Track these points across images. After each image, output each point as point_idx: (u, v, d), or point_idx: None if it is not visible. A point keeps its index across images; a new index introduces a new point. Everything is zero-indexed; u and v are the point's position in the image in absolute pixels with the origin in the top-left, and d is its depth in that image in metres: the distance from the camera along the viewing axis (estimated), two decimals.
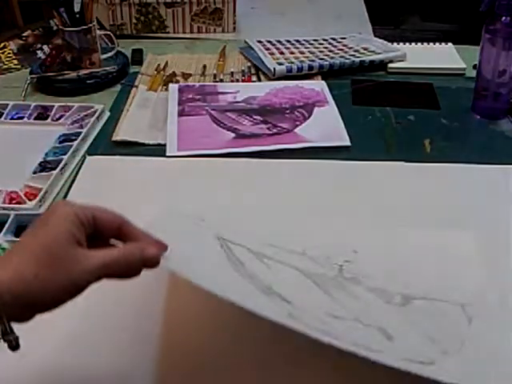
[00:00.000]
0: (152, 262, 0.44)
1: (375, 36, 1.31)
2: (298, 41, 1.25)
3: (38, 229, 0.40)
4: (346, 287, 0.59)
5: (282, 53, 1.18)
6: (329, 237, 0.69)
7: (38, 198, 0.78)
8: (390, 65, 1.16)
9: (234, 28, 1.38)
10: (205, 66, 1.17)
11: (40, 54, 1.22)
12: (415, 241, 0.69)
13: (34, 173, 0.84)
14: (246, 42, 1.26)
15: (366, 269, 0.63)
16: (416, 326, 0.56)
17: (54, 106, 1.00)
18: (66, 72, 1.10)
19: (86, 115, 0.98)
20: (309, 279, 0.59)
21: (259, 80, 1.13)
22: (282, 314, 0.51)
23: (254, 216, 0.71)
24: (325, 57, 1.16)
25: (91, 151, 0.91)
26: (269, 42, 1.24)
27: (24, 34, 1.26)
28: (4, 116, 0.99)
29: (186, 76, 1.14)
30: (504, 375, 0.53)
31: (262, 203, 0.76)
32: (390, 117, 1.00)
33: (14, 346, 0.39)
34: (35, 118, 0.99)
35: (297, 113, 0.99)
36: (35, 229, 0.41)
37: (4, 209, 0.76)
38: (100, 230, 0.44)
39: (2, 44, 1.23)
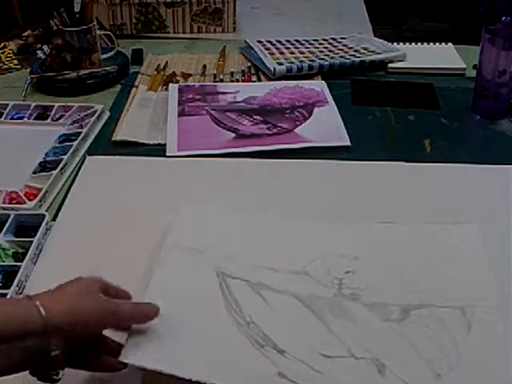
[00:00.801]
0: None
1: (375, 36, 1.31)
2: (297, 41, 1.25)
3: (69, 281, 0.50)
4: (343, 308, 0.60)
5: (282, 53, 1.18)
6: (330, 244, 0.68)
7: (37, 198, 0.78)
8: (390, 65, 1.16)
9: (234, 28, 1.38)
10: (205, 66, 1.17)
11: (40, 54, 1.22)
12: (415, 242, 0.69)
13: (34, 173, 0.84)
14: (246, 41, 1.26)
15: (367, 278, 0.63)
16: (411, 346, 0.56)
17: (53, 105, 1.00)
18: (66, 72, 1.10)
19: (86, 115, 0.98)
20: (306, 308, 0.60)
21: (259, 80, 1.13)
22: (270, 373, 0.52)
23: (254, 232, 0.70)
24: (325, 57, 1.16)
25: (91, 151, 0.91)
26: (269, 41, 1.24)
27: (24, 34, 1.26)
28: (4, 116, 0.99)
29: (185, 76, 1.14)
30: None
31: (261, 205, 0.75)
32: (390, 117, 1.00)
33: (50, 360, 0.45)
34: (35, 118, 0.99)
35: (297, 113, 0.99)
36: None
37: (4, 209, 0.76)
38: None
39: (2, 44, 1.23)
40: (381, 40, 1.24)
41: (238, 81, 1.12)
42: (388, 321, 0.58)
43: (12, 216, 0.73)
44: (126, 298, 0.54)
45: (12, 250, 0.70)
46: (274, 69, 1.10)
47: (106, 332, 0.52)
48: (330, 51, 1.20)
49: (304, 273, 0.64)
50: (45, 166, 0.85)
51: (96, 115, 0.97)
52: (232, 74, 1.14)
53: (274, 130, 0.95)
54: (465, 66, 1.14)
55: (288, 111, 0.99)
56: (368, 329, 0.58)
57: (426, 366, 0.54)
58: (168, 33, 1.36)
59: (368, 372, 0.53)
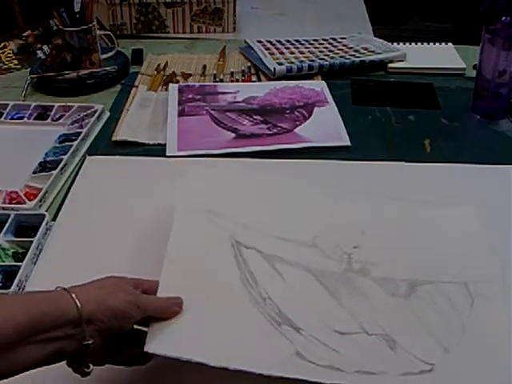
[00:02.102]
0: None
1: (375, 36, 1.31)
2: (297, 41, 1.25)
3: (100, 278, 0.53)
4: (354, 283, 0.61)
5: (282, 53, 1.18)
6: (338, 217, 0.70)
7: (37, 198, 0.78)
8: (390, 65, 1.16)
9: (234, 28, 1.38)
10: (205, 66, 1.17)
11: (40, 54, 1.22)
12: (419, 220, 0.70)
13: (34, 173, 0.84)
14: (246, 41, 1.26)
15: (374, 253, 0.65)
16: (419, 321, 0.58)
17: (53, 105, 1.00)
18: (66, 72, 1.10)
19: (86, 115, 0.98)
20: (319, 283, 0.61)
21: (259, 80, 1.13)
22: (288, 353, 0.53)
23: (266, 197, 0.72)
24: (325, 57, 1.16)
25: (91, 151, 0.91)
26: (269, 41, 1.24)
27: (24, 34, 1.26)
28: (4, 116, 0.99)
29: (185, 76, 1.14)
30: (501, 359, 0.55)
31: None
32: (390, 117, 1.00)
33: (87, 356, 0.48)
34: (35, 118, 0.99)
35: (297, 113, 0.99)
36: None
37: (4, 209, 0.76)
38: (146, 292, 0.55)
39: (2, 44, 1.23)
40: (381, 40, 1.24)
41: (237, 81, 1.12)
42: (396, 296, 0.60)
43: (12, 216, 0.73)
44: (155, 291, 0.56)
45: (12, 250, 0.70)
46: (274, 69, 1.10)
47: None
48: (330, 51, 1.20)
49: (313, 245, 0.65)
50: (45, 166, 0.85)
51: (96, 115, 0.97)
52: (232, 74, 1.14)
53: (274, 130, 0.95)
54: (465, 66, 1.14)
55: (288, 111, 0.99)
56: (378, 304, 0.59)
57: (434, 340, 0.56)
58: (168, 33, 1.36)
59: (380, 348, 0.55)
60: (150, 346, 0.51)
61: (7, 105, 1.01)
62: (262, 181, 0.74)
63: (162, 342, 0.52)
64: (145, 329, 0.53)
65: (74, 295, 0.47)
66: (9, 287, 0.64)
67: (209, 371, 0.51)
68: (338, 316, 0.58)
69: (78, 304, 0.46)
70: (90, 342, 0.47)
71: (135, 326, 0.53)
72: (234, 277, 0.60)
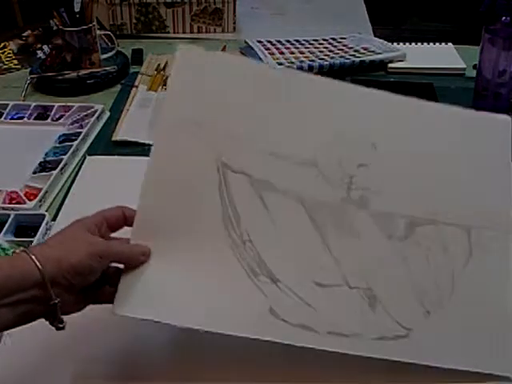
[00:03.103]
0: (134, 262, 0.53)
1: (375, 36, 1.31)
2: (297, 41, 1.25)
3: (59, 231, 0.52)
4: (348, 219, 0.55)
5: (282, 53, 1.18)
6: (347, 122, 0.59)
7: (37, 198, 0.78)
8: (390, 65, 1.16)
9: (234, 28, 1.38)
10: None
11: (40, 54, 1.22)
12: (441, 137, 0.60)
13: (34, 173, 0.84)
14: (246, 42, 1.26)
15: (380, 176, 0.57)
16: (408, 274, 0.55)
17: (53, 105, 1.00)
18: (66, 72, 1.10)
19: (86, 115, 0.98)
20: (308, 218, 0.55)
21: None
22: (263, 309, 0.52)
23: (262, 118, 0.58)
24: (325, 57, 1.16)
25: (91, 151, 0.91)
26: (269, 41, 1.24)
27: (24, 34, 1.26)
28: (4, 116, 0.99)
29: None
30: (493, 316, 0.54)
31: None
32: None
33: (57, 314, 0.48)
34: (35, 118, 0.99)
35: None
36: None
37: (4, 209, 0.76)
38: (112, 224, 0.54)
39: (2, 44, 1.23)
40: (381, 40, 1.24)
41: None
42: (392, 238, 0.56)
43: (12, 216, 0.73)
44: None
45: (12, 250, 0.70)
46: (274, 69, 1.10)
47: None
48: (330, 51, 1.19)
49: (313, 163, 0.57)
50: (45, 166, 0.85)
51: (96, 115, 0.97)
52: None
53: None
54: (465, 66, 1.14)
55: None
56: (369, 248, 0.55)
57: (417, 300, 0.54)
58: (168, 33, 1.36)
59: (359, 304, 0.53)
60: (118, 308, 0.50)
61: (7, 105, 1.01)
62: (265, 81, 0.59)
63: (130, 303, 0.50)
64: (121, 266, 0.52)
65: (33, 257, 0.46)
66: None
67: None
68: (322, 263, 0.54)
69: (40, 266, 0.46)
70: (56, 302, 0.47)
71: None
72: (215, 215, 0.54)
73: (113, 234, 0.55)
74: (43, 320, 0.49)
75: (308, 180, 0.56)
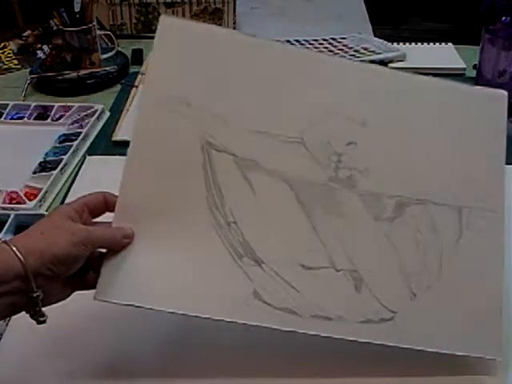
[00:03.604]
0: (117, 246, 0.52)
1: (375, 36, 1.31)
2: (297, 41, 1.25)
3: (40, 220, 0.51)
4: (335, 200, 0.54)
5: None
6: (337, 98, 0.57)
7: (38, 198, 0.78)
8: (390, 65, 1.16)
9: (234, 28, 1.37)
10: None
11: (40, 54, 1.22)
12: (429, 126, 0.58)
13: (34, 173, 0.84)
14: None
15: (369, 155, 0.56)
16: (395, 256, 0.54)
17: (53, 105, 1.00)
18: (66, 72, 1.10)
19: (86, 115, 0.98)
20: (295, 198, 0.54)
21: None
22: (247, 292, 0.51)
23: (250, 95, 0.56)
24: None
25: (91, 151, 0.91)
26: None
27: (24, 34, 1.26)
28: (4, 116, 0.99)
29: None
30: (478, 301, 0.53)
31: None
32: None
33: (39, 307, 0.48)
34: (35, 118, 0.99)
35: None
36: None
37: (4, 209, 0.76)
38: (93, 209, 0.53)
39: (2, 44, 1.23)
40: (381, 40, 1.24)
41: None
42: (380, 220, 0.54)
43: (12, 216, 0.73)
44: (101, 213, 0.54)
45: None
46: None
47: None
48: (330, 51, 1.19)
49: (301, 141, 0.55)
50: (45, 166, 0.85)
51: (96, 115, 0.97)
52: None
53: None
54: (465, 66, 1.14)
55: None
56: (356, 229, 0.54)
57: (404, 282, 0.53)
58: None
59: (345, 287, 0.53)
60: (100, 294, 0.50)
61: (7, 105, 1.01)
62: (253, 55, 0.57)
63: (112, 288, 0.50)
64: (103, 250, 0.52)
65: (15, 248, 0.46)
66: None
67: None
68: (308, 245, 0.53)
69: (22, 258, 0.45)
70: (38, 293, 0.47)
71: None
72: (199, 196, 0.53)
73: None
74: (30, 321, 0.49)
75: (295, 159, 0.55)
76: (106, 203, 0.54)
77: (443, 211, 0.55)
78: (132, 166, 0.53)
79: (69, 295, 0.51)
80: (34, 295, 0.47)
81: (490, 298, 0.54)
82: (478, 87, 0.61)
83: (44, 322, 0.49)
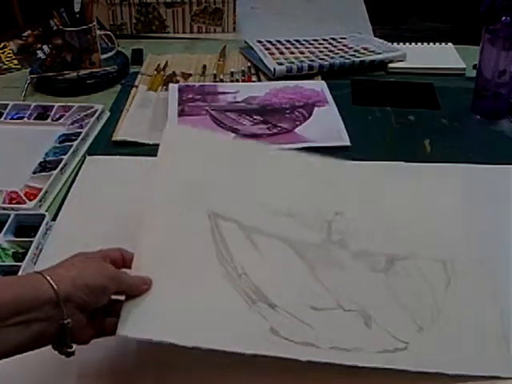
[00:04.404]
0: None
1: (375, 36, 1.31)
2: (297, 41, 1.25)
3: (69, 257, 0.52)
4: (332, 256, 0.61)
5: (282, 53, 1.18)
6: (322, 182, 0.69)
7: (37, 198, 0.78)
8: (390, 65, 1.16)
9: (234, 28, 1.38)
10: (205, 66, 1.17)
11: (40, 54, 1.22)
12: (404, 192, 0.71)
13: (34, 173, 0.84)
14: (245, 42, 1.26)
15: (356, 222, 0.64)
16: (396, 298, 0.58)
17: (53, 105, 1.00)
18: (66, 72, 1.10)
19: (86, 115, 0.98)
20: (297, 255, 0.60)
21: (259, 80, 1.13)
22: (263, 330, 0.53)
23: (244, 165, 0.69)
24: (325, 57, 1.16)
25: (91, 151, 0.91)
26: (269, 42, 1.24)
27: (24, 34, 1.26)
28: (4, 116, 0.99)
29: (185, 76, 1.14)
30: (477, 337, 0.57)
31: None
32: (390, 117, 1.00)
33: (67, 336, 0.48)
34: (35, 118, 0.99)
35: (297, 113, 0.99)
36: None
37: (4, 209, 0.76)
38: (112, 262, 0.55)
39: (2, 44, 1.23)
40: (381, 40, 1.24)
41: (237, 81, 1.12)
42: (375, 271, 0.61)
43: (12, 216, 0.73)
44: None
45: (12, 250, 0.70)
46: (274, 69, 1.10)
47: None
48: (330, 51, 1.20)
49: (295, 213, 0.64)
50: (45, 166, 0.85)
51: (96, 115, 0.97)
52: (232, 74, 1.14)
53: (274, 130, 0.95)
54: (465, 66, 1.14)
55: (288, 111, 0.99)
56: (356, 278, 0.60)
57: (410, 318, 0.57)
58: (168, 33, 1.36)
59: (356, 324, 0.56)
60: (122, 330, 0.51)
61: (7, 105, 1.01)
62: (245, 152, 0.70)
63: (133, 324, 0.51)
64: (121, 297, 0.53)
65: (48, 277, 0.47)
66: None
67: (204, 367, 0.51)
68: (315, 291, 0.57)
69: (53, 284, 0.47)
70: (69, 321, 0.47)
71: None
72: (209, 253, 0.58)
73: None
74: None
75: (291, 226, 0.63)
76: (123, 259, 0.56)
77: (429, 263, 0.63)
78: (148, 226, 0.59)
79: (90, 339, 0.51)
80: (65, 322, 0.47)
81: (492, 324, 0.58)
82: (436, 167, 0.77)
83: (72, 354, 0.49)
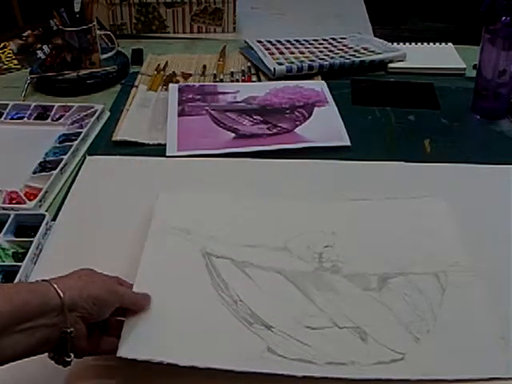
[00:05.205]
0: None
1: (375, 36, 1.31)
2: (297, 41, 1.25)
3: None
4: (325, 280, 0.63)
5: (282, 53, 1.18)
6: (309, 222, 0.72)
7: (37, 198, 0.78)
8: (390, 65, 1.16)
9: (234, 28, 1.38)
10: (205, 66, 1.17)
11: (40, 54, 1.22)
12: (388, 216, 0.73)
13: (34, 173, 0.84)
14: (245, 42, 1.26)
15: (345, 251, 0.67)
16: (390, 312, 0.59)
17: (53, 106, 1.00)
18: (66, 72, 1.10)
19: (86, 115, 0.98)
20: (290, 282, 0.63)
21: (259, 80, 1.13)
22: (260, 349, 0.55)
23: (235, 213, 0.73)
24: (325, 57, 1.16)
25: (91, 151, 0.91)
26: (269, 42, 1.24)
27: (24, 34, 1.26)
28: (4, 116, 0.99)
29: (185, 76, 1.14)
30: (474, 346, 0.57)
31: (258, 203, 0.76)
32: (390, 117, 1.00)
33: (67, 345, 0.49)
34: (35, 118, 0.99)
35: (297, 113, 0.99)
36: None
37: (4, 209, 0.76)
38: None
39: (2, 44, 1.23)
40: (381, 40, 1.24)
41: (237, 81, 1.12)
42: (368, 290, 0.62)
43: (12, 216, 0.73)
44: None
45: (12, 250, 0.70)
46: (274, 69, 1.10)
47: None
48: (330, 51, 1.20)
49: (285, 249, 0.67)
50: (45, 166, 0.85)
51: (96, 115, 0.97)
52: (232, 74, 1.14)
53: (274, 130, 0.95)
54: (465, 66, 1.14)
55: (288, 111, 0.99)
56: (349, 298, 0.61)
57: (405, 330, 0.58)
58: (168, 33, 1.36)
59: (351, 340, 0.57)
60: (123, 351, 0.53)
61: (7, 105, 1.01)
62: (231, 200, 0.75)
63: (133, 345, 0.53)
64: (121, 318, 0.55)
65: (55, 285, 0.48)
66: None
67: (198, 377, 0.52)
68: (309, 312, 0.59)
69: (60, 292, 0.48)
70: (72, 329, 0.48)
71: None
72: (205, 283, 0.62)
73: None
74: None
75: (283, 259, 0.66)
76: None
77: (422, 277, 0.64)
78: (146, 266, 0.63)
79: (84, 353, 0.52)
80: (68, 330, 0.48)
81: (491, 327, 0.59)
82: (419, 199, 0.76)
83: (69, 363, 0.50)
